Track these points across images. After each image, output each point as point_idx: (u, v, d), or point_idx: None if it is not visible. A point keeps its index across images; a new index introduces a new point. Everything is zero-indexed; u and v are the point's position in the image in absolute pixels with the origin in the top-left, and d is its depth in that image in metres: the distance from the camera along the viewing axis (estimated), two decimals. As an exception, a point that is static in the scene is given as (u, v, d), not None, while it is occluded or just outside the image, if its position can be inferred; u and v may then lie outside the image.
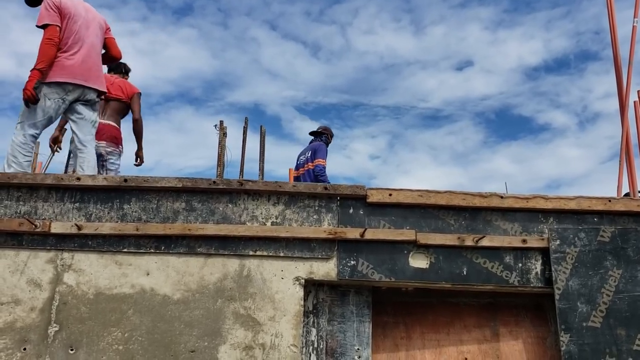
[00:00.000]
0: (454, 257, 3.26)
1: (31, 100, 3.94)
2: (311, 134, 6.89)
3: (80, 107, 4.27)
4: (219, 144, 4.75)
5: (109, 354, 3.05)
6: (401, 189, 3.32)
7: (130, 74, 5.60)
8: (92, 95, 4.31)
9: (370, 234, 3.25)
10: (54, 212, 3.27)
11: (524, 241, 3.26)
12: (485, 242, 3.24)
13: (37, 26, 4.10)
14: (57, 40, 4.07)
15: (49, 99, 4.05)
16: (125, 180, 3.28)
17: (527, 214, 3.33)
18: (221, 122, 4.62)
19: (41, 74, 3.99)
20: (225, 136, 4.71)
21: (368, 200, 3.31)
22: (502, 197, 3.32)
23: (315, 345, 3.23)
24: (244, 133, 4.92)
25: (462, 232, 3.29)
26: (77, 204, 3.29)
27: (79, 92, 4.21)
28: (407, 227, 3.29)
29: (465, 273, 3.23)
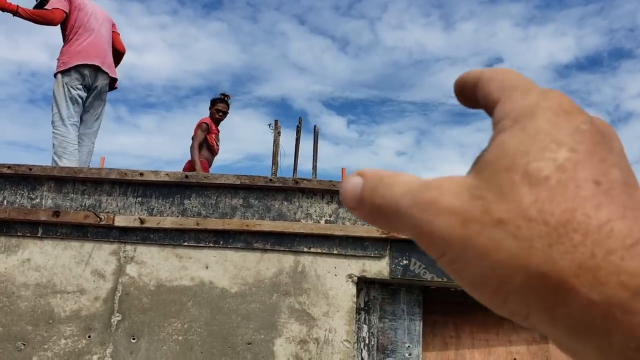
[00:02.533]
0: (505, 258, 3.30)
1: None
2: None
3: (89, 100, 4.38)
4: (274, 143, 4.85)
5: (169, 344, 3.16)
6: (454, 191, 3.38)
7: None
8: (104, 82, 4.41)
9: (422, 234, 3.31)
10: (117, 205, 3.40)
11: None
12: (536, 245, 3.28)
13: (46, 9, 4.19)
14: (57, 21, 4.22)
15: (72, 88, 4.20)
16: (187, 177, 3.39)
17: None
18: (276, 122, 4.70)
19: (17, 14, 4.08)
20: (280, 135, 4.80)
21: (420, 201, 3.36)
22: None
23: (367, 342, 3.30)
24: (297, 132, 5.02)
25: (514, 234, 3.33)
26: (139, 199, 3.41)
27: (94, 75, 4.31)
28: (459, 228, 3.34)
29: (516, 275, 3.27)
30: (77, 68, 4.23)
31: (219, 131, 5.68)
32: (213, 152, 5.55)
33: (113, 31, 4.68)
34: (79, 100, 4.26)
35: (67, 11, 4.30)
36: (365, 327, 3.33)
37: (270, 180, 3.42)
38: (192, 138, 5.45)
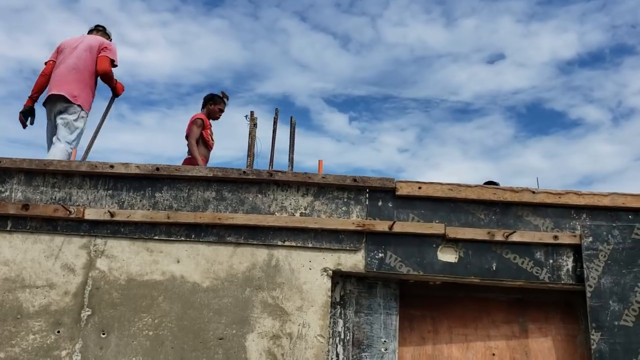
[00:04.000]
0: (484, 252, 3.23)
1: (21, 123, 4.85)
2: None
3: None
4: (249, 135, 4.79)
5: (140, 339, 3.11)
6: (431, 182, 3.30)
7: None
8: (56, 104, 4.69)
9: (398, 227, 3.24)
10: (87, 198, 3.34)
11: (556, 237, 3.21)
12: (515, 238, 3.21)
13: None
14: (46, 71, 4.81)
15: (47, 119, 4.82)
16: (158, 169, 3.33)
17: (559, 210, 3.29)
18: (252, 113, 4.65)
19: (30, 100, 4.81)
20: (256, 127, 4.74)
21: (397, 193, 3.30)
22: (533, 192, 3.28)
23: (342, 337, 3.24)
24: (274, 124, 4.96)
25: (492, 226, 3.26)
26: (110, 191, 3.35)
27: (50, 103, 4.72)
28: (437, 221, 3.27)
29: (494, 268, 3.20)
30: (44, 104, 4.78)
31: (211, 126, 5.63)
32: (209, 147, 5.53)
33: (99, 55, 4.82)
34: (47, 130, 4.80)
35: (54, 59, 4.84)
36: (340, 322, 3.27)
37: (244, 172, 3.35)
38: (188, 135, 5.42)
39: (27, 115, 4.81)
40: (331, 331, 3.22)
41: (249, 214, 3.29)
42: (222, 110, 5.62)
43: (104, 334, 3.12)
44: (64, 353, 3.09)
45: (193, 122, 5.41)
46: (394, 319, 3.27)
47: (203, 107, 5.67)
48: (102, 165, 3.38)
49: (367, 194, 3.34)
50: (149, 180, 3.35)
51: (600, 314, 3.07)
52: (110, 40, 5.12)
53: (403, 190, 3.30)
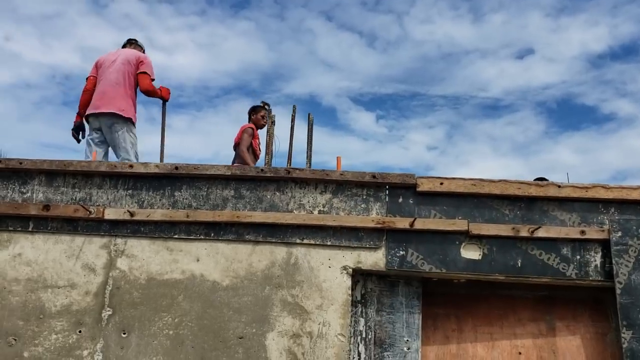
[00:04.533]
0: (508, 248, 3.15)
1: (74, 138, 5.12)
2: None
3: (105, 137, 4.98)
4: (267, 133, 4.76)
5: (160, 339, 3.10)
6: (453, 178, 3.23)
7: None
8: (105, 121, 4.89)
9: (420, 224, 3.18)
10: (107, 198, 3.35)
11: (583, 232, 3.11)
12: (541, 233, 3.12)
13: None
14: (89, 87, 5.02)
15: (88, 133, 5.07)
16: (176, 168, 3.32)
17: (586, 204, 3.18)
18: (270, 111, 4.60)
19: (79, 117, 5.07)
20: (274, 124, 4.71)
21: (418, 189, 3.23)
22: (559, 187, 3.18)
23: (364, 335, 3.19)
24: (292, 121, 4.93)
25: (517, 222, 3.17)
26: (129, 191, 3.35)
27: (94, 119, 4.94)
28: (459, 217, 3.20)
29: (519, 265, 3.12)
30: (86, 120, 5.04)
31: (259, 137, 5.88)
32: (256, 156, 5.83)
33: (138, 72, 5.05)
34: (91, 142, 4.98)
35: (95, 75, 5.05)
36: (362, 321, 3.22)
37: (262, 170, 3.33)
38: (238, 143, 5.67)
39: (77, 131, 5.13)
40: (352, 330, 3.17)
41: (267, 212, 3.26)
42: (264, 117, 5.85)
43: (124, 333, 3.12)
44: (85, 353, 3.10)
45: (244, 131, 5.68)
46: (417, 318, 3.20)
47: (249, 119, 5.90)
48: (121, 165, 3.38)
49: (387, 191, 3.28)
50: (168, 180, 3.35)
51: (632, 311, 2.96)
52: (144, 52, 5.36)
53: (424, 186, 3.23)
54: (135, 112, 5.07)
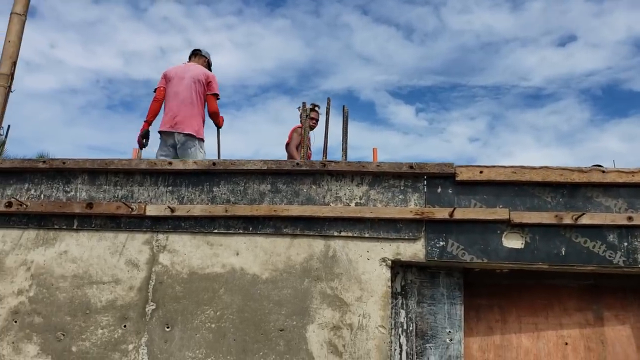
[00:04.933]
0: (551, 236, 3.07)
1: (139, 145, 5.27)
2: None
3: (178, 154, 5.12)
4: (302, 127, 4.77)
5: (202, 332, 3.14)
6: (493, 166, 3.18)
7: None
8: (179, 138, 5.06)
9: (460, 214, 3.13)
10: (148, 195, 3.41)
11: (630, 218, 3.02)
12: (585, 220, 3.03)
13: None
14: (159, 98, 5.23)
15: (159, 149, 5.21)
16: (214, 164, 3.36)
17: (632, 190, 3.08)
18: (303, 104, 4.64)
19: (147, 124, 5.25)
20: (308, 117, 4.72)
21: (457, 179, 3.19)
22: (603, 172, 3.09)
23: (405, 327, 3.16)
24: (327, 114, 4.93)
25: (560, 209, 3.10)
26: (169, 188, 3.41)
27: (169, 136, 5.13)
28: (500, 206, 3.14)
29: (563, 253, 3.04)
30: (160, 133, 5.23)
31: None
32: (307, 156, 5.86)
33: (208, 93, 5.27)
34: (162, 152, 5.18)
35: (164, 86, 5.25)
36: (402, 312, 3.19)
37: (297, 164, 3.33)
38: (288, 143, 5.87)
39: (144, 138, 5.34)
40: (393, 322, 3.15)
41: (304, 205, 3.26)
42: (314, 119, 5.99)
43: (168, 327, 3.17)
44: (130, 347, 3.16)
45: (294, 131, 5.87)
46: (459, 309, 3.16)
47: (300, 120, 6.02)
48: (161, 162, 3.44)
49: (425, 181, 3.25)
50: (206, 175, 3.39)
51: (684, 298, 2.86)
52: (210, 63, 5.59)
53: (463, 176, 3.18)
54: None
